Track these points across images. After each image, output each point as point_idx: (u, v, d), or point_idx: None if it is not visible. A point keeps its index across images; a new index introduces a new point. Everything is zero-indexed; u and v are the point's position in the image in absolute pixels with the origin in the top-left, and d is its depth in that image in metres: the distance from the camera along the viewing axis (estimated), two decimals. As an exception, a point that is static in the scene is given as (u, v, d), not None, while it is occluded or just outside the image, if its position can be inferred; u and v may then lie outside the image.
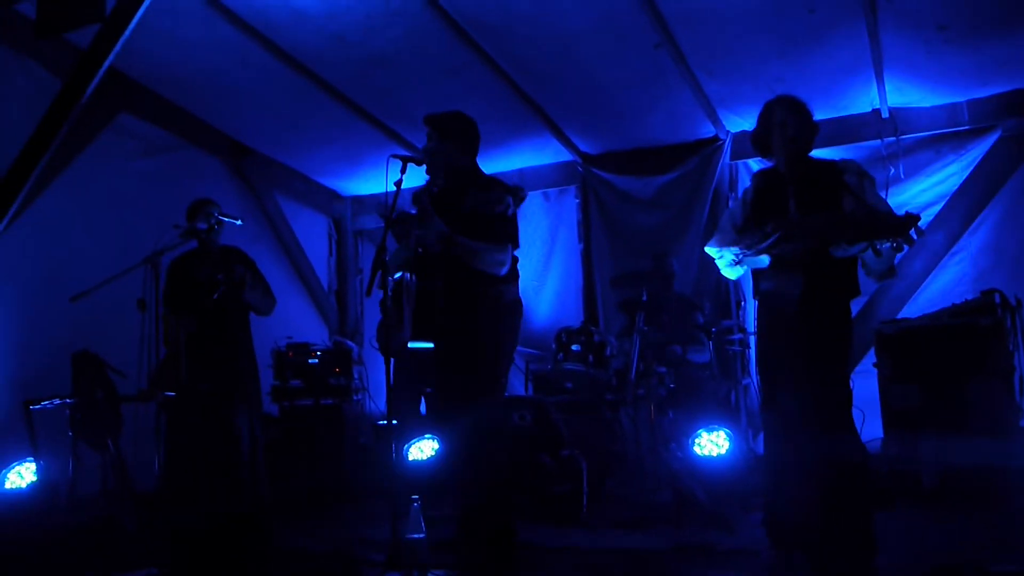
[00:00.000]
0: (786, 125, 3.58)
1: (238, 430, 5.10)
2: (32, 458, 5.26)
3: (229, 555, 4.16)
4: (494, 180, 4.02)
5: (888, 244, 3.20)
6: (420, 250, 3.88)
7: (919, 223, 3.14)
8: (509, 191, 3.94)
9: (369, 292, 3.91)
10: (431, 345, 4.04)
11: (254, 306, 5.31)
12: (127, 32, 4.79)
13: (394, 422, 5.19)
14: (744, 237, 3.61)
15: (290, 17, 5.63)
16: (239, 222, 5.28)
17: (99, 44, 4.87)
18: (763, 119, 3.68)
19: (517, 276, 4.01)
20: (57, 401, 5.35)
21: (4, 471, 5.25)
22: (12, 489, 5.22)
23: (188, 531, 4.48)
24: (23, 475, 5.24)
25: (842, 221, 3.36)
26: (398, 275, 4.12)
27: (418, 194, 4.01)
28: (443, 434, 4.54)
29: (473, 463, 3.82)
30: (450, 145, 3.93)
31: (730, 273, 3.78)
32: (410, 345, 4.03)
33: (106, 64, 4.88)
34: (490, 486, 3.79)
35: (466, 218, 3.81)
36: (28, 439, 5.28)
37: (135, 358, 4.67)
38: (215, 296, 5.04)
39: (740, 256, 3.61)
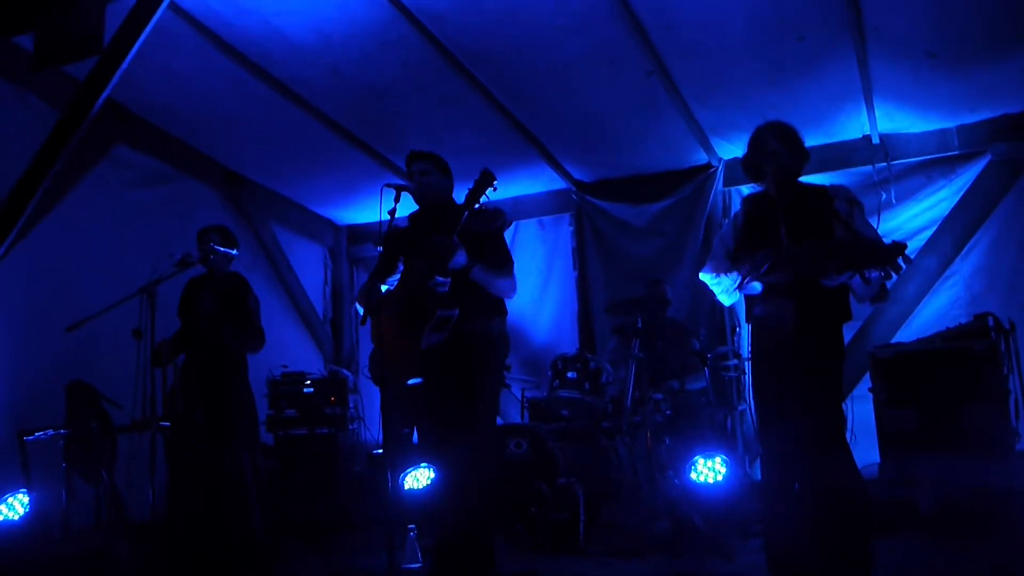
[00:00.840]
0: (778, 155, 3.61)
1: (234, 461, 5.06)
2: (25, 489, 5.22)
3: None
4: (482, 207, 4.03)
5: (876, 273, 3.22)
6: (436, 274, 3.82)
7: (907, 251, 3.16)
8: (499, 212, 3.98)
9: (364, 321, 3.91)
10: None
11: (226, 342, 5.02)
12: (124, 64, 4.82)
13: (388, 452, 5.17)
14: (740, 264, 3.62)
15: (286, 48, 5.69)
16: (234, 252, 5.28)
17: (96, 76, 4.90)
18: (754, 145, 3.69)
19: (505, 311, 4.02)
20: (51, 432, 5.32)
21: (-3, 503, 5.21)
22: (5, 520, 5.16)
23: (184, 562, 4.45)
24: (16, 507, 5.19)
25: (830, 250, 3.37)
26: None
27: (389, 233, 4.04)
28: (433, 465, 4.50)
29: (452, 495, 3.77)
30: (440, 177, 4.01)
31: (726, 299, 3.79)
32: (410, 382, 3.98)
33: (103, 96, 4.90)
34: (467, 519, 3.71)
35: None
36: (21, 470, 5.26)
37: (130, 388, 4.64)
38: (199, 326, 5.02)
39: (739, 282, 3.60)
